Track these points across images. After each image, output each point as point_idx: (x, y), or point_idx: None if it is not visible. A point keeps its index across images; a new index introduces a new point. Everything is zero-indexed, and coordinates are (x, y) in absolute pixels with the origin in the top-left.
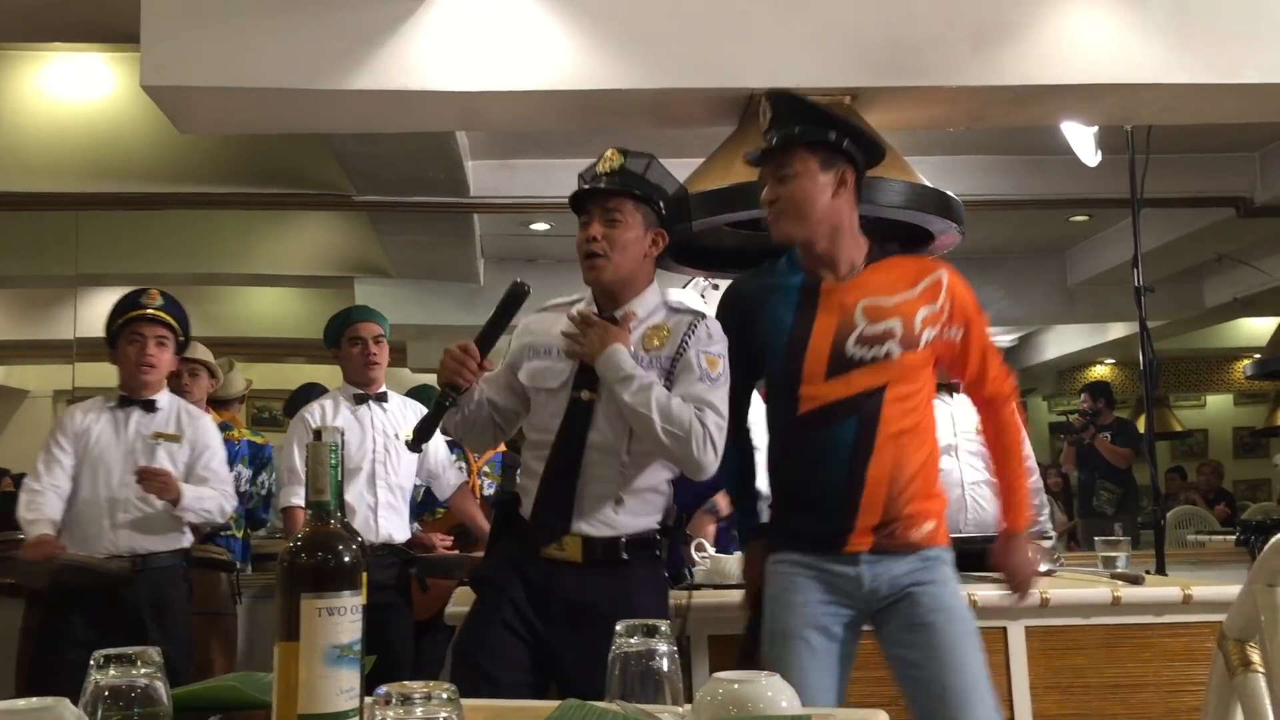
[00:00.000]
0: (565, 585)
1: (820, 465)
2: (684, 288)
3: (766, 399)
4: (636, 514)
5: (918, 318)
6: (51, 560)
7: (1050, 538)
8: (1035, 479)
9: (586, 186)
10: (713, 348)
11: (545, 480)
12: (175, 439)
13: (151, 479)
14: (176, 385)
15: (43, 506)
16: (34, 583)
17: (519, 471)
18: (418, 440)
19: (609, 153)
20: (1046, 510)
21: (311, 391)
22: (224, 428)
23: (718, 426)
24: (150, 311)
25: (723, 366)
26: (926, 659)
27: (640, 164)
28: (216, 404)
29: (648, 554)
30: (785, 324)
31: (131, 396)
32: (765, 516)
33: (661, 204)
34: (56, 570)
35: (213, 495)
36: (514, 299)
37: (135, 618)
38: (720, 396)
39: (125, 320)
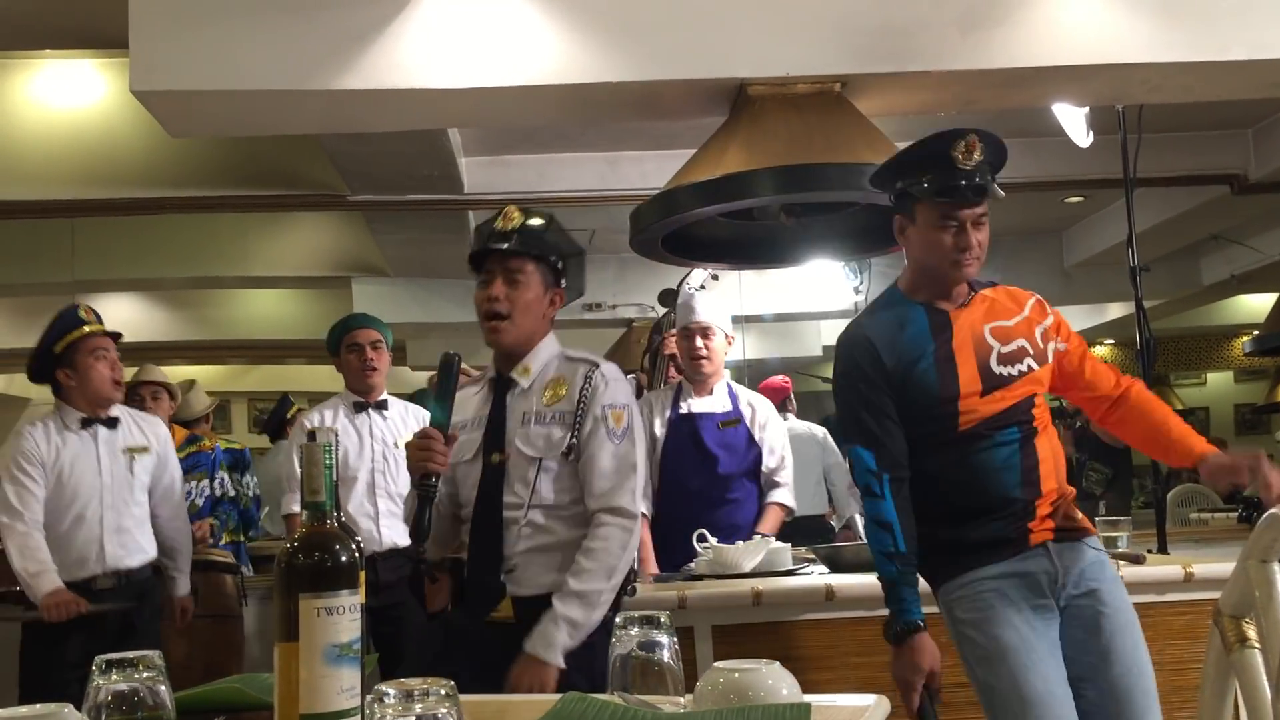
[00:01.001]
0: (505, 645)
1: (994, 472)
2: (686, 279)
3: (910, 424)
4: (567, 569)
5: (1038, 333)
6: (77, 617)
7: None
8: None
9: (489, 246)
10: (616, 399)
11: (473, 548)
12: (145, 449)
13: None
14: (140, 407)
15: (38, 553)
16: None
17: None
18: (417, 541)
19: (509, 209)
20: None
21: (285, 405)
22: (192, 440)
23: (632, 493)
24: (98, 326)
25: (628, 418)
26: (1106, 665)
27: (540, 223)
28: (180, 425)
29: None
30: (926, 350)
31: (93, 416)
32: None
33: (560, 263)
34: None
35: (188, 536)
36: (448, 369)
37: (117, 627)
38: (631, 449)
39: (76, 339)
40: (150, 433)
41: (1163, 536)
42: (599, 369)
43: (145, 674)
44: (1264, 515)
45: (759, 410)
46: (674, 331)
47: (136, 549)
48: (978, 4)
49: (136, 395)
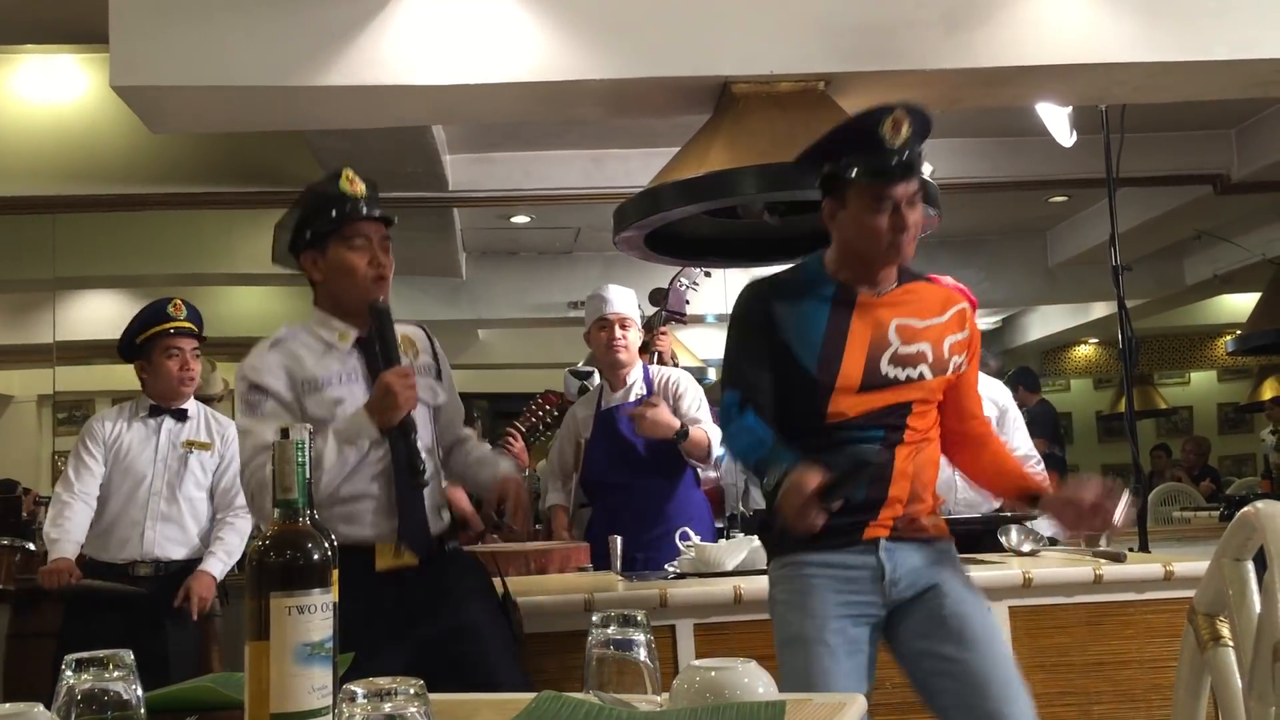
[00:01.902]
0: (401, 591)
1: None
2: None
3: (781, 399)
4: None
5: (946, 344)
6: (67, 588)
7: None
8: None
9: (367, 214)
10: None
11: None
12: (206, 447)
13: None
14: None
15: (68, 523)
16: (56, 593)
17: None
18: (417, 475)
19: (349, 173)
20: None
21: None
22: None
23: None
24: (181, 324)
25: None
26: (960, 651)
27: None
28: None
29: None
30: (818, 329)
31: (163, 406)
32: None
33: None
34: (72, 592)
35: (236, 540)
36: (382, 316)
37: (154, 620)
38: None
39: (157, 332)
40: (218, 432)
41: (1144, 535)
42: (426, 328)
43: (116, 673)
44: (1238, 514)
45: (670, 379)
46: (661, 330)
47: (180, 540)
48: (961, 3)
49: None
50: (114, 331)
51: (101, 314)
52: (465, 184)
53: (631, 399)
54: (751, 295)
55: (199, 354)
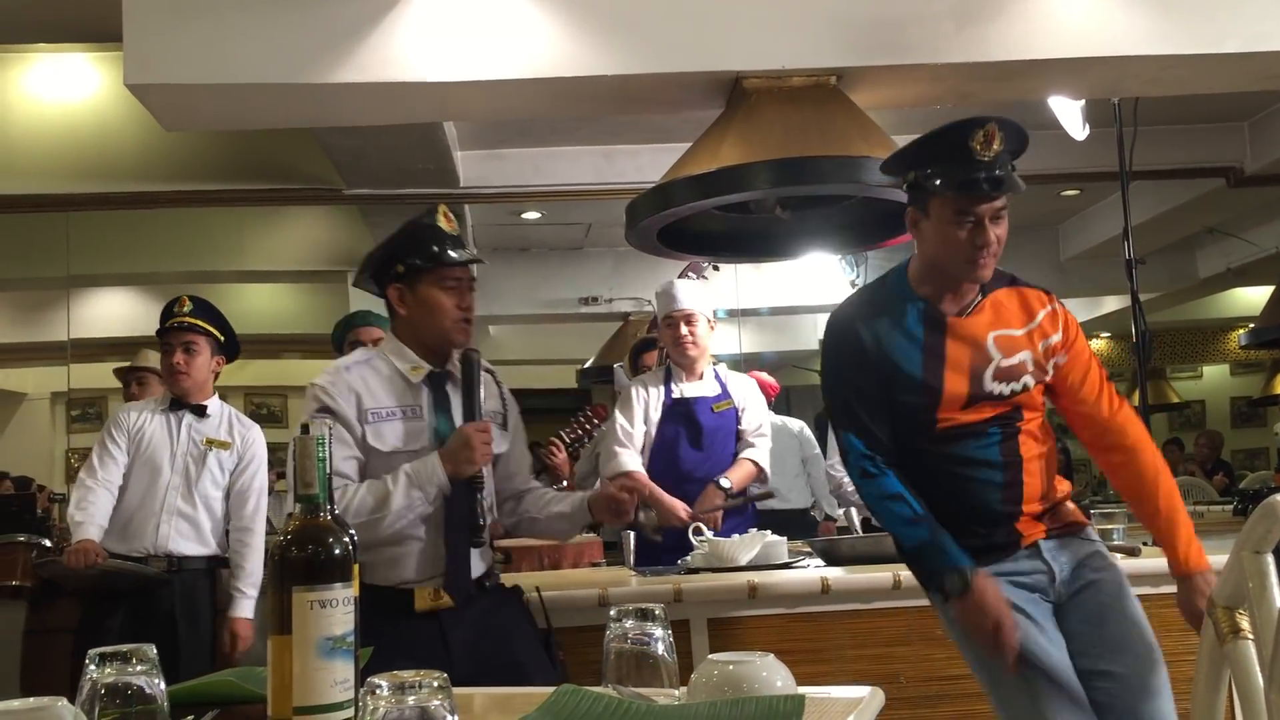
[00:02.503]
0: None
1: (974, 482)
2: (682, 274)
3: (891, 412)
4: None
5: (1042, 348)
6: (93, 567)
7: None
8: None
9: (463, 258)
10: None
11: (453, 541)
12: (226, 446)
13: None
14: (125, 393)
15: (92, 507)
16: (75, 584)
17: None
18: (476, 535)
19: (445, 210)
20: None
21: None
22: None
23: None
24: (182, 320)
25: None
26: (1114, 663)
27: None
28: None
29: None
30: (915, 353)
31: (182, 400)
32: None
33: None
34: (98, 575)
35: (255, 552)
36: (471, 365)
37: (167, 617)
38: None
39: (160, 330)
40: (239, 434)
41: None
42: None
43: (139, 667)
44: (1259, 506)
45: (743, 393)
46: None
47: (193, 538)
48: None
49: (125, 381)
50: (127, 329)
51: (115, 311)
52: (476, 180)
53: (709, 394)
54: (843, 335)
55: (196, 349)
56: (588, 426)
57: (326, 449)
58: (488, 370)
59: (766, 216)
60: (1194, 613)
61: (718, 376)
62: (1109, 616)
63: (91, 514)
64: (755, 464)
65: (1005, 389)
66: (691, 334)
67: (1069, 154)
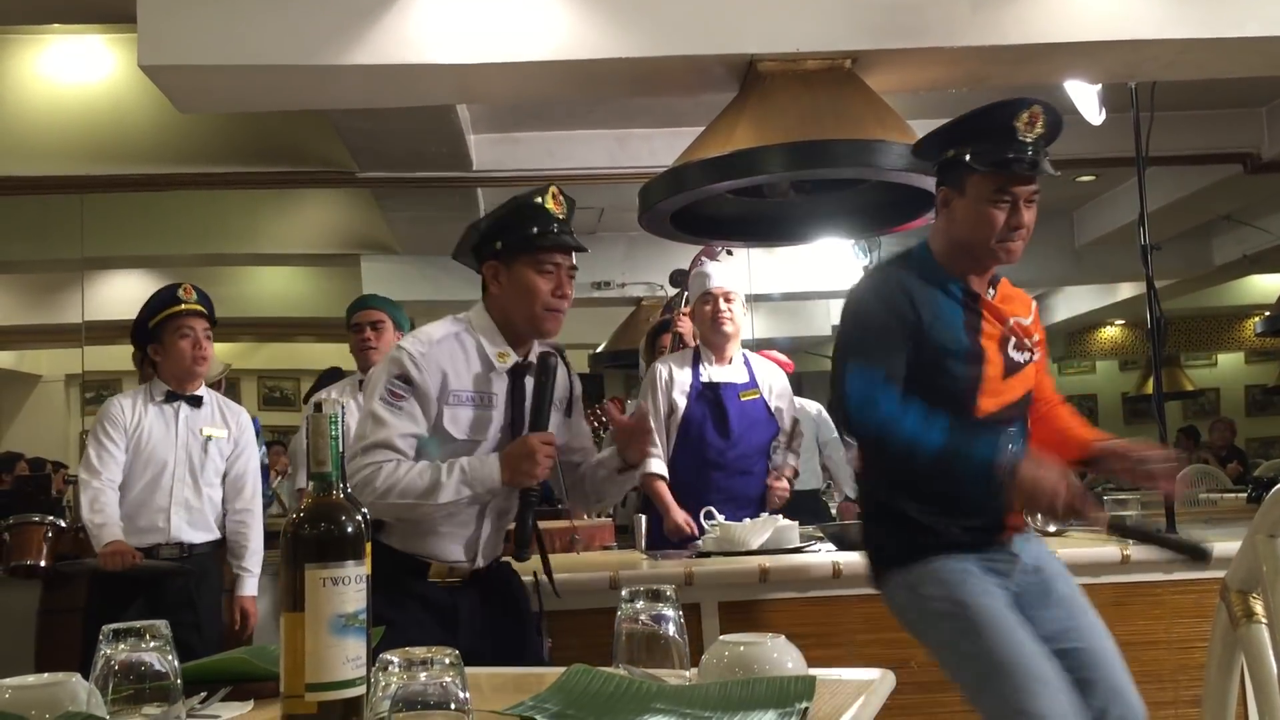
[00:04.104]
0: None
1: (992, 466)
2: (697, 258)
3: (924, 392)
4: None
5: (1035, 338)
6: (131, 569)
7: None
8: None
9: (569, 241)
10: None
11: (519, 532)
12: (222, 433)
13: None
14: (143, 375)
15: (108, 508)
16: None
17: None
18: (522, 550)
19: (555, 191)
20: None
21: (333, 376)
22: None
23: None
24: (193, 307)
25: None
26: (1071, 624)
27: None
28: None
29: None
30: (958, 325)
31: (178, 392)
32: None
33: None
34: (137, 572)
35: (256, 532)
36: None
37: (180, 600)
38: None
39: (169, 315)
40: (232, 420)
41: (1171, 516)
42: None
43: (152, 644)
44: (1272, 490)
45: (774, 382)
46: (687, 309)
47: (202, 525)
48: None
49: (153, 363)
50: None
51: (129, 294)
52: (489, 164)
53: (738, 381)
54: (886, 286)
55: (210, 336)
56: (604, 419)
57: (339, 427)
58: (563, 359)
59: (780, 200)
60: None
61: (747, 363)
62: (1077, 602)
63: (110, 514)
64: (794, 470)
65: (1023, 357)
66: (730, 311)
67: (1085, 139)
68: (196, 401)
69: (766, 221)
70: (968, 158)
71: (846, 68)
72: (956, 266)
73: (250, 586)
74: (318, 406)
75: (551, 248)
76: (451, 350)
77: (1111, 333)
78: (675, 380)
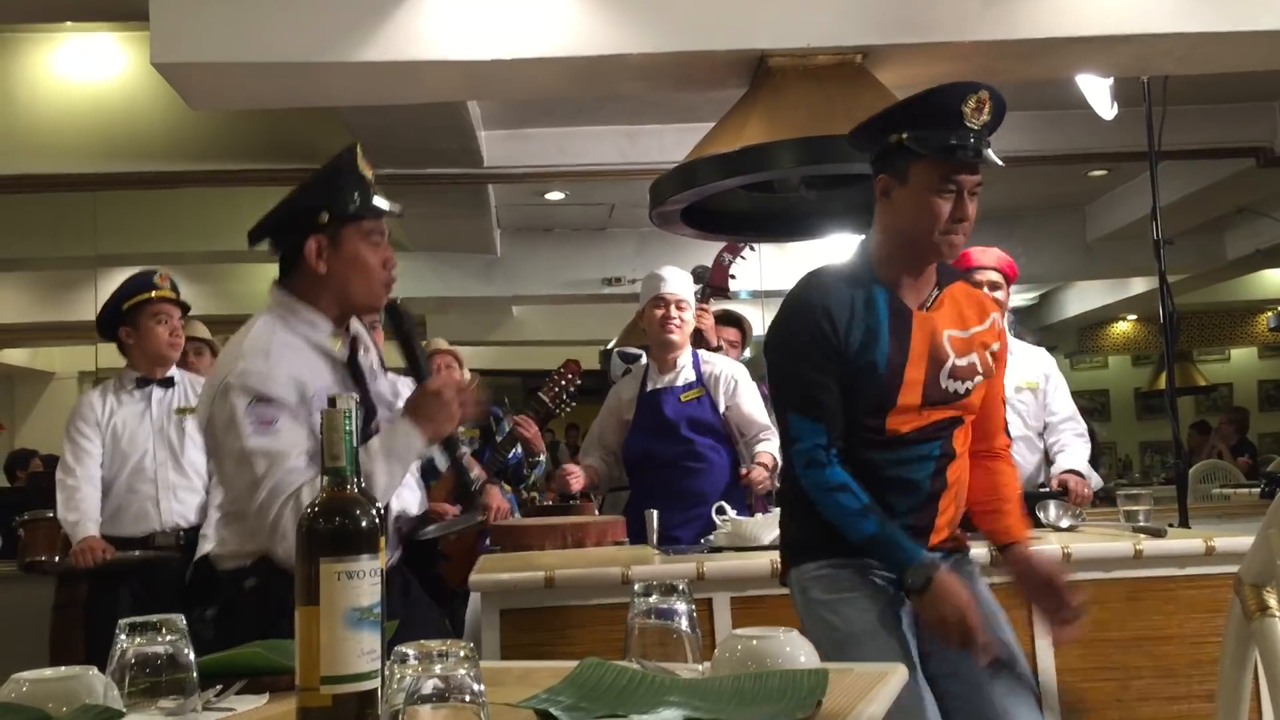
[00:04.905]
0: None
1: (898, 484)
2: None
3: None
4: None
5: (987, 353)
6: (102, 564)
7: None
8: (1085, 439)
9: (387, 206)
10: None
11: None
12: (194, 410)
13: None
14: (183, 362)
15: (82, 504)
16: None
17: None
18: (472, 500)
19: (362, 153)
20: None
21: None
22: None
23: None
24: (166, 295)
25: None
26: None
27: None
28: None
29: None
30: (880, 349)
31: (149, 377)
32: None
33: None
34: (105, 568)
35: None
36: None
37: (174, 586)
38: None
39: (142, 301)
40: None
41: (1184, 511)
42: None
43: (169, 637)
44: None
45: (725, 375)
46: (702, 306)
47: (194, 505)
48: None
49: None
50: None
51: None
52: (500, 160)
53: (679, 383)
54: (808, 311)
55: (183, 324)
56: (563, 384)
57: (353, 422)
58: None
59: (790, 196)
60: (1039, 580)
61: (695, 362)
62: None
63: (84, 510)
64: (771, 455)
65: (960, 387)
66: (679, 319)
67: (1097, 134)
68: (168, 383)
69: (777, 217)
70: (913, 143)
71: (857, 63)
72: (893, 267)
73: None
74: (331, 401)
75: (380, 214)
76: (288, 358)
77: (1124, 328)
78: (623, 400)
